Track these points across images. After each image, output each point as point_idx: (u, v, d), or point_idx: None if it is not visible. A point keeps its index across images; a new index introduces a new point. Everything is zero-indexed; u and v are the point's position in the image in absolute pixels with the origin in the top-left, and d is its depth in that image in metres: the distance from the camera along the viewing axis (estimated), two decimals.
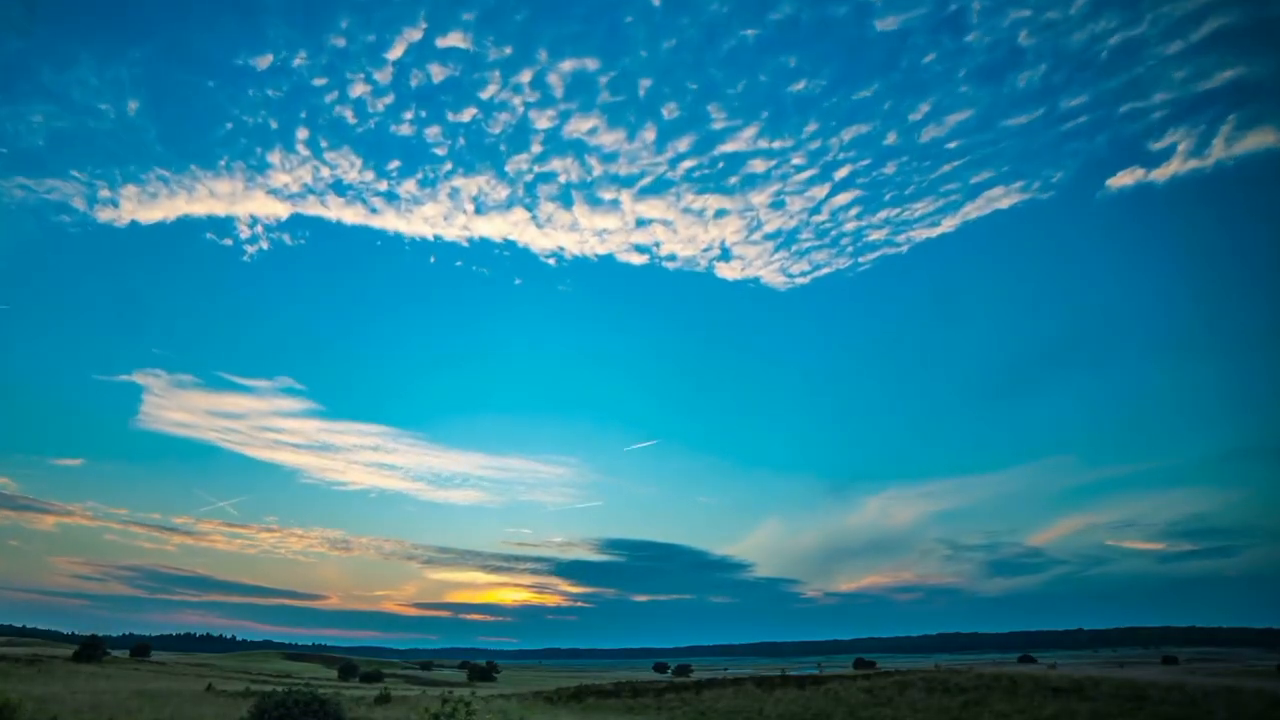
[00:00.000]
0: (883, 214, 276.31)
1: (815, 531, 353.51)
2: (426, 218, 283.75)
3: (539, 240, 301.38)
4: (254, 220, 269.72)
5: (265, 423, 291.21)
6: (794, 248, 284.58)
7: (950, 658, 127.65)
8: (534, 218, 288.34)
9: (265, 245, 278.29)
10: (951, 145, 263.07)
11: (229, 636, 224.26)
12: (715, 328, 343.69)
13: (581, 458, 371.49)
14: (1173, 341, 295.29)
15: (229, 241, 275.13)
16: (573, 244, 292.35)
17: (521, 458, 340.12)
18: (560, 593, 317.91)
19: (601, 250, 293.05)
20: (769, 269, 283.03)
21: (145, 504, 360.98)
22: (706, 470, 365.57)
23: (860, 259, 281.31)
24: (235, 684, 39.23)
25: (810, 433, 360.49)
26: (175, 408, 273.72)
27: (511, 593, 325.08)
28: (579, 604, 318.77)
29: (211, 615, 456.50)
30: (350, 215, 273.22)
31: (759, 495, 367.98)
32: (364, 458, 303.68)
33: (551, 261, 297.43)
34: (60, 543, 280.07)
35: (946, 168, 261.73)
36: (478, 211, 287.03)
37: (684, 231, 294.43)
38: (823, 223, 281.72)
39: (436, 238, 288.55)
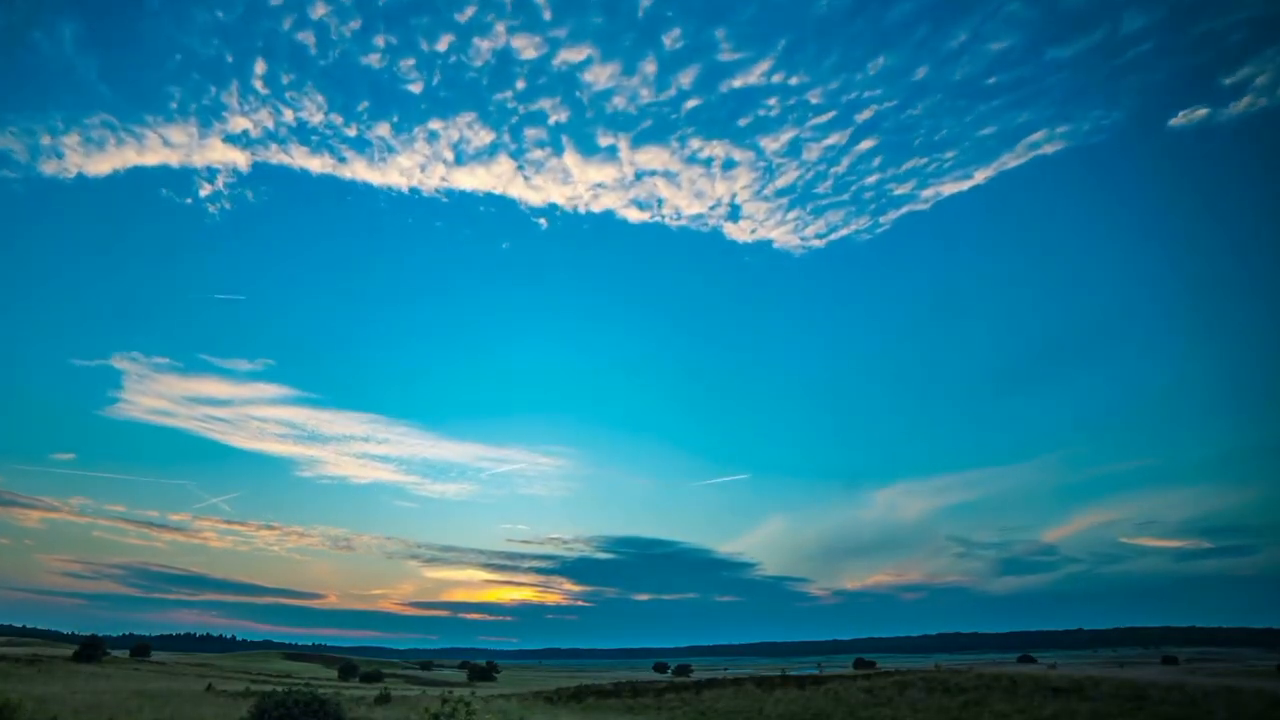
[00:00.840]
0: (909, 164, 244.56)
1: (822, 527, 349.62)
2: (402, 168, 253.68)
3: (527, 195, 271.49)
4: (212, 173, 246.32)
5: (251, 411, 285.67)
6: (809, 205, 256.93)
7: (950, 658, 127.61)
8: (520, 168, 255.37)
9: (228, 205, 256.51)
10: (990, 81, 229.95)
11: (228, 636, 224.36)
12: (722, 300, 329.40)
13: (578, 450, 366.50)
14: (1218, 325, 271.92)
15: (189, 200, 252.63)
16: (564, 199, 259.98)
17: (519, 449, 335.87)
18: (561, 591, 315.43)
19: (597, 207, 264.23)
20: (782, 229, 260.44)
21: (136, 500, 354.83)
22: (709, 463, 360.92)
23: (881, 218, 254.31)
24: (235, 684, 39.22)
25: (819, 420, 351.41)
26: (155, 394, 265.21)
27: (511, 591, 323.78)
28: (579, 603, 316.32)
29: (208, 614, 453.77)
30: (317, 164, 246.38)
31: (764, 489, 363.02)
32: (355, 449, 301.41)
33: (542, 222, 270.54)
34: (49, 540, 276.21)
35: (983, 108, 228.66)
36: (458, 161, 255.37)
37: (689, 186, 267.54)
38: (842, 175, 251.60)
39: (413, 190, 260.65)
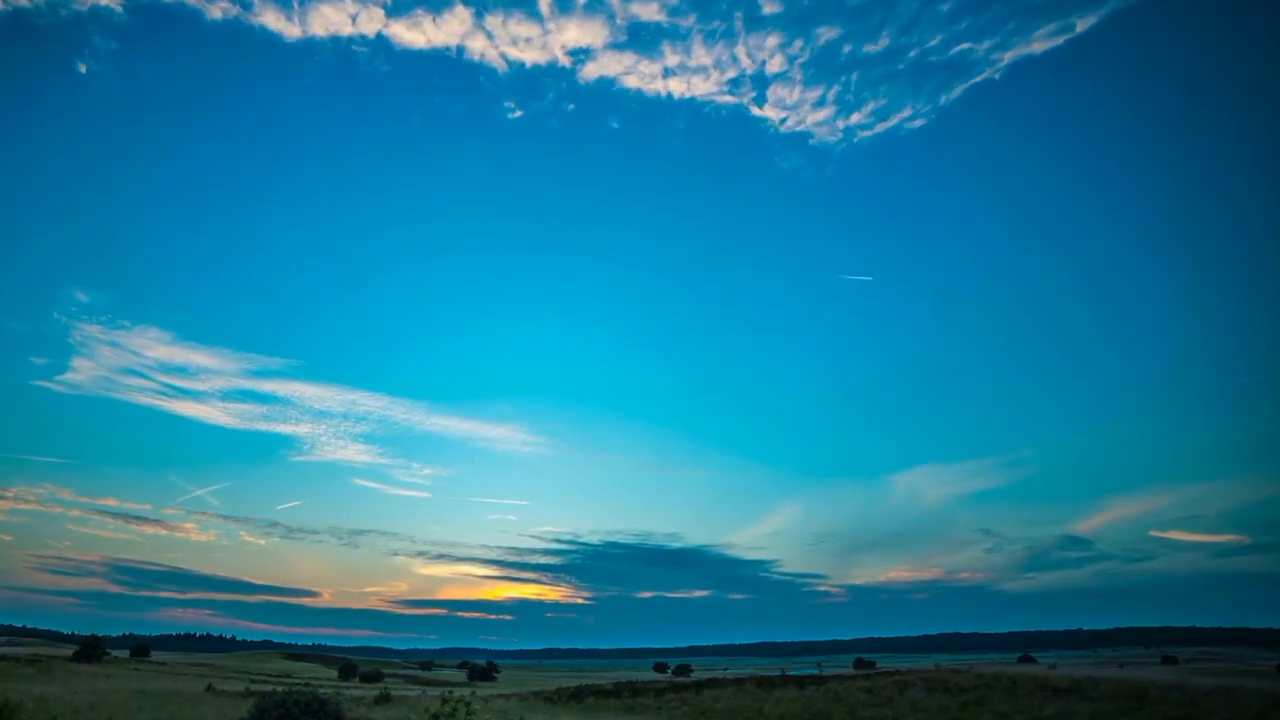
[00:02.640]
0: (987, 13, 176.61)
1: (837, 515, 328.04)
2: (327, 22, 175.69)
3: (490, 54, 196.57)
4: (82, 17, 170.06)
5: (220, 384, 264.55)
6: (853, 75, 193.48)
7: (950, 658, 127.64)
8: (479, 20, 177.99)
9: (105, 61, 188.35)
10: None
11: (228, 636, 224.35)
12: (742, 212, 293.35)
13: (566, 436, 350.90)
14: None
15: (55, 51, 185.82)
16: (539, 58, 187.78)
17: (513, 427, 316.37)
18: (561, 588, 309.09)
19: (586, 76, 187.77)
20: (818, 115, 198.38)
21: (113, 490, 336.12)
22: (713, 447, 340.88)
23: (943, 96, 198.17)
24: (235, 684, 39.23)
25: (835, 398, 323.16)
26: (114, 365, 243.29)
27: (509, 589, 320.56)
28: (578, 599, 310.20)
29: (202, 613, 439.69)
30: (216, 10, 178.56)
31: (773, 476, 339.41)
32: (337, 427, 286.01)
33: (512, 110, 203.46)
34: (20, 534, 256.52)
35: None
36: (394, 12, 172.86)
37: (700, 56, 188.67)
38: (897, 38, 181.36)
39: (336, 39, 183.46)
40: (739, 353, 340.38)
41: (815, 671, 46.10)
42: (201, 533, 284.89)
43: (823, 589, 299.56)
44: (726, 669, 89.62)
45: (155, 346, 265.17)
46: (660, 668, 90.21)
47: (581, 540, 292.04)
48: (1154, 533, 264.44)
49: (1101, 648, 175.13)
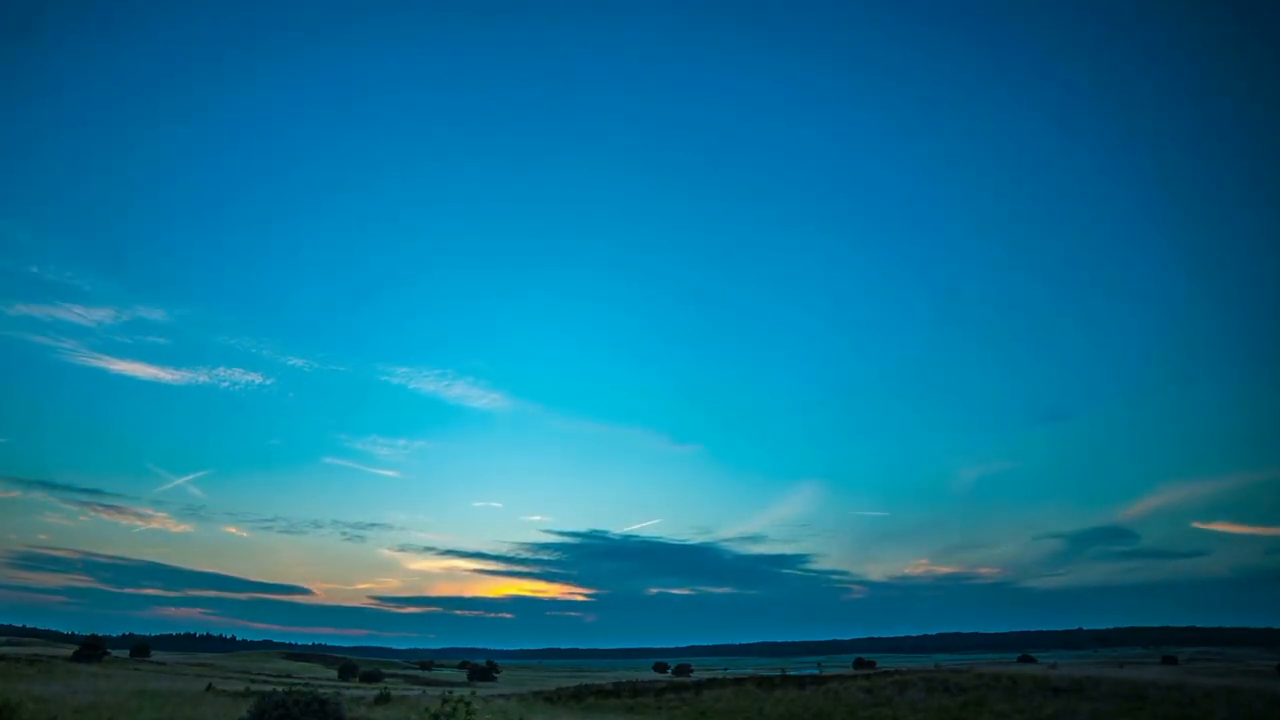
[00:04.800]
0: None
1: (856, 502, 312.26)
2: None
3: None
4: None
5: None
6: None
7: (950, 658, 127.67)
8: None
9: None
10: None
11: (228, 636, 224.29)
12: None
13: (575, 428, 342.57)
14: None
15: None
16: None
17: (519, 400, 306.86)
18: (561, 586, 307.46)
19: None
20: None
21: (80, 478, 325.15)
22: (712, 441, 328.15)
23: None
24: (235, 684, 39.23)
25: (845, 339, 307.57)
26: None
27: (508, 587, 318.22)
28: (577, 596, 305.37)
29: (194, 611, 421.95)
30: None
31: (786, 455, 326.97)
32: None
33: None
34: None
35: None
36: None
37: None
38: None
39: None
40: (740, 349, 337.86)
41: (815, 671, 46.10)
42: (180, 523, 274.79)
43: (845, 584, 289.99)
44: (726, 669, 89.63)
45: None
46: (660, 668, 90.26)
47: (578, 535, 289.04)
48: (1197, 524, 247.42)
49: (1101, 648, 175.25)
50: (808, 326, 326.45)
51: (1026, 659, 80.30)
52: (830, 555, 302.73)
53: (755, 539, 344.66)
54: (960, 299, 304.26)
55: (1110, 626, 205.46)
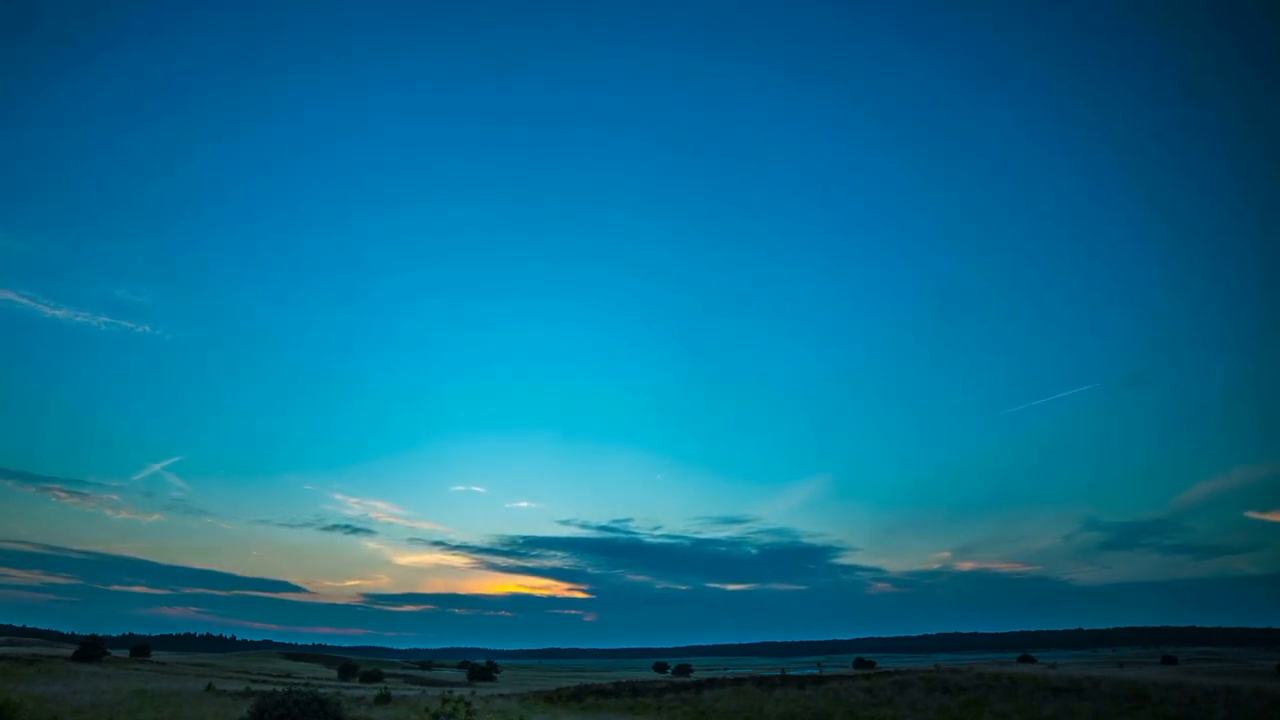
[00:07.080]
0: None
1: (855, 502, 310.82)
2: None
3: None
4: None
5: None
6: None
7: (950, 658, 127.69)
8: None
9: None
10: None
11: (228, 636, 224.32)
12: None
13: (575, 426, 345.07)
14: None
15: None
16: None
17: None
18: (560, 585, 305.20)
19: None
20: None
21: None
22: (714, 432, 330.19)
23: None
24: (235, 684, 39.24)
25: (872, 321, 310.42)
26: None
27: (507, 585, 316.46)
28: (576, 594, 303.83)
29: (188, 610, 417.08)
30: None
31: (802, 438, 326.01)
32: None
33: None
34: None
35: None
36: None
37: None
38: None
39: None
40: (742, 345, 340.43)
41: (815, 671, 46.09)
42: (163, 514, 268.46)
43: (865, 579, 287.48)
44: (726, 669, 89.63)
45: None
46: (660, 668, 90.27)
47: (582, 531, 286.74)
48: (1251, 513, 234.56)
49: (1101, 647, 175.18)
50: (812, 314, 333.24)
51: (1026, 659, 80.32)
52: (856, 550, 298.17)
53: (775, 532, 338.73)
54: (960, 296, 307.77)
55: (1110, 626, 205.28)
